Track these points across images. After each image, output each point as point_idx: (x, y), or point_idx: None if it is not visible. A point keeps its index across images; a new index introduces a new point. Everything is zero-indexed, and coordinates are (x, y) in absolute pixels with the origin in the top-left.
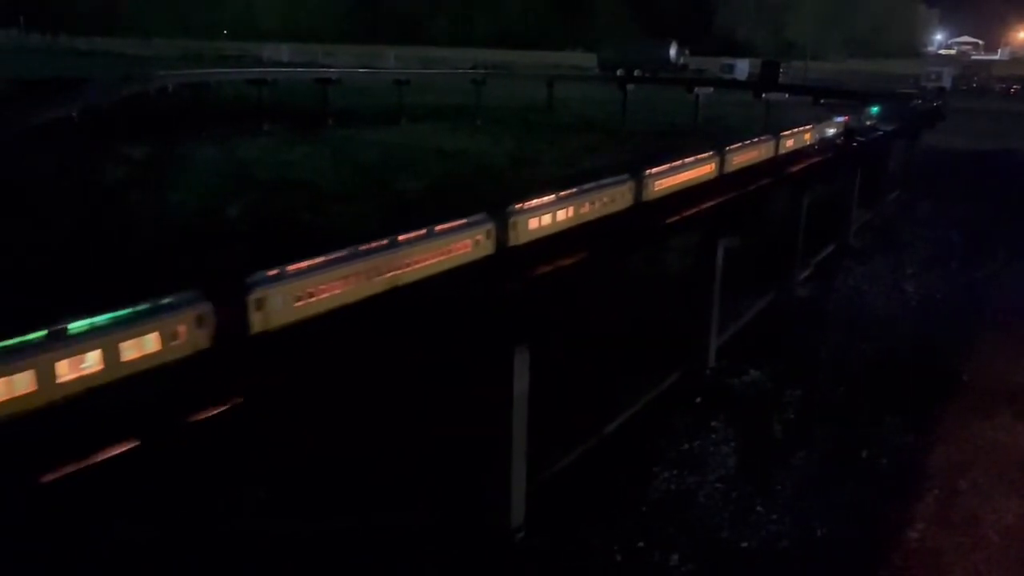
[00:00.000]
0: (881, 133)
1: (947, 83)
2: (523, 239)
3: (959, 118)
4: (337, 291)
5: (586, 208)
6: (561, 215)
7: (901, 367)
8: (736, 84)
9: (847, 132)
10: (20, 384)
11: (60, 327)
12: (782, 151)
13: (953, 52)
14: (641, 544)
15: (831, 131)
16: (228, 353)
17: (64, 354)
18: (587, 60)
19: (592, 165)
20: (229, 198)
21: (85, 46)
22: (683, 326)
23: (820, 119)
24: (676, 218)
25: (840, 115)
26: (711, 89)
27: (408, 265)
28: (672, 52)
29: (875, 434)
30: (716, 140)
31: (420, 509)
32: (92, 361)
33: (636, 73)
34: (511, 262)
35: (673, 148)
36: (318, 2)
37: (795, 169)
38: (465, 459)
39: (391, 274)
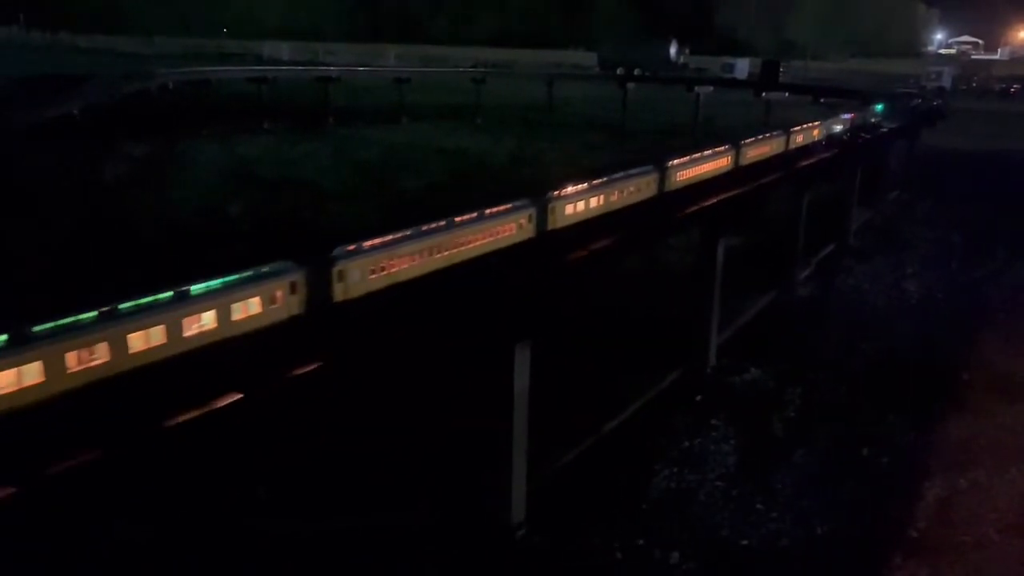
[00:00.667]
0: (885, 130)
1: (947, 83)
2: (560, 224)
3: (959, 118)
4: (404, 266)
5: (615, 196)
6: (593, 202)
7: (901, 366)
8: (736, 83)
9: (854, 129)
10: (155, 337)
11: (184, 288)
12: (792, 146)
13: (953, 52)
14: (641, 542)
15: (839, 128)
16: (319, 318)
17: (187, 312)
18: (587, 59)
19: (592, 164)
20: (230, 196)
21: (86, 44)
22: (684, 324)
23: (821, 118)
24: (696, 208)
25: (847, 112)
26: (711, 88)
27: (462, 244)
28: (672, 51)
29: (876, 432)
30: (717, 138)
31: (421, 506)
32: (208, 320)
33: (636, 72)
34: (551, 245)
35: (674, 147)
36: (319, 0)
37: (805, 163)
38: (466, 457)
39: (447, 253)
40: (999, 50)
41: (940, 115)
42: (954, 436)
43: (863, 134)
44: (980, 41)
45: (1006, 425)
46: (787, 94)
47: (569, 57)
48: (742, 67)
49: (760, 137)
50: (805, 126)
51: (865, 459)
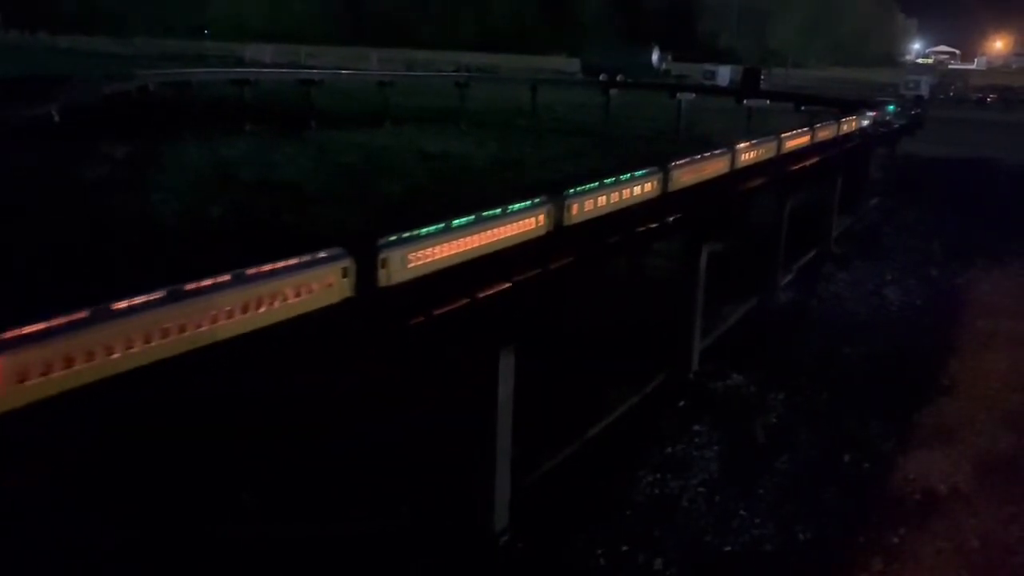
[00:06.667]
0: (897, 126)
1: (925, 92)
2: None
3: (937, 126)
4: (688, 178)
5: (763, 151)
6: (753, 154)
7: (882, 372)
8: (718, 90)
9: (875, 123)
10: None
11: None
12: (840, 132)
13: (931, 61)
14: (625, 548)
15: (866, 122)
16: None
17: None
18: (570, 64)
19: (575, 169)
20: (212, 198)
21: (66, 44)
22: (667, 330)
23: (800, 125)
24: (816, 159)
25: (872, 110)
26: (693, 95)
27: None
28: (654, 57)
29: (857, 439)
30: (699, 145)
31: (403, 513)
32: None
33: (619, 78)
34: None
35: (658, 153)
36: (302, 3)
37: (852, 145)
38: (449, 462)
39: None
40: (976, 60)
41: (918, 124)
42: (934, 442)
43: (881, 128)
44: (957, 51)
45: (985, 431)
46: (768, 101)
47: (552, 62)
48: (724, 74)
49: (822, 124)
50: (847, 118)
51: (847, 465)
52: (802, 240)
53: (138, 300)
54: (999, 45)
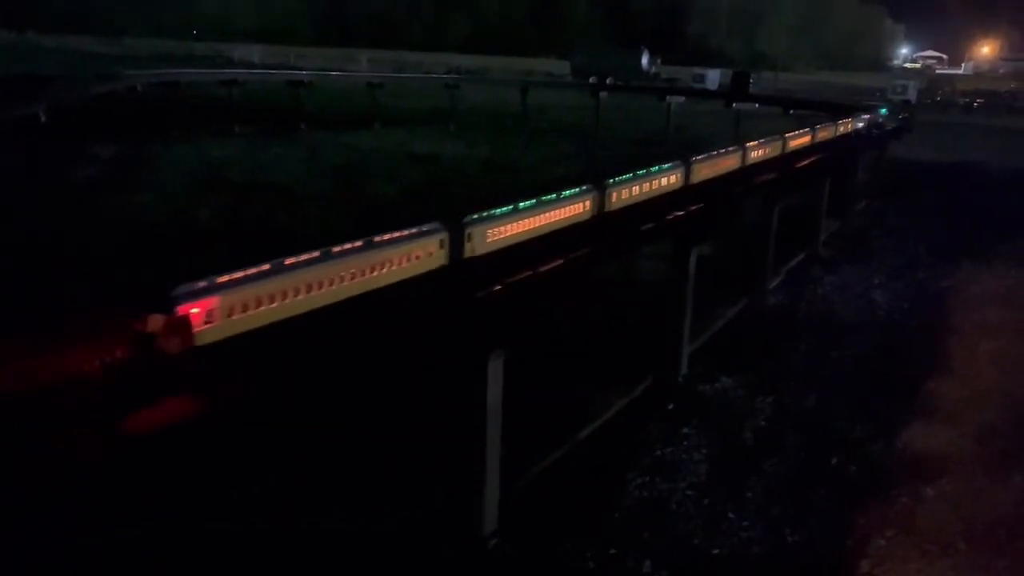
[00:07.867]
0: (888, 129)
1: (912, 96)
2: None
3: (924, 131)
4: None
5: (769, 149)
6: (761, 152)
7: (870, 375)
8: (707, 93)
9: (870, 125)
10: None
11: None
12: (839, 133)
13: (918, 66)
14: (614, 551)
15: (861, 124)
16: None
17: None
18: (560, 67)
19: (566, 171)
20: (201, 199)
21: (53, 44)
22: (656, 333)
23: (797, 127)
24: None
25: (866, 113)
26: (683, 98)
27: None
28: (644, 60)
29: (845, 442)
30: (688, 148)
31: (391, 515)
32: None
33: (609, 81)
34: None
35: (647, 156)
36: (291, 4)
37: (849, 144)
38: (437, 465)
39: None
40: (963, 65)
41: (907, 128)
42: (921, 446)
43: (874, 129)
44: (944, 56)
45: (971, 434)
46: (757, 105)
47: (542, 65)
48: (713, 77)
49: (820, 125)
50: (844, 120)
51: (834, 468)
52: (791, 243)
53: (303, 257)
54: (986, 50)
